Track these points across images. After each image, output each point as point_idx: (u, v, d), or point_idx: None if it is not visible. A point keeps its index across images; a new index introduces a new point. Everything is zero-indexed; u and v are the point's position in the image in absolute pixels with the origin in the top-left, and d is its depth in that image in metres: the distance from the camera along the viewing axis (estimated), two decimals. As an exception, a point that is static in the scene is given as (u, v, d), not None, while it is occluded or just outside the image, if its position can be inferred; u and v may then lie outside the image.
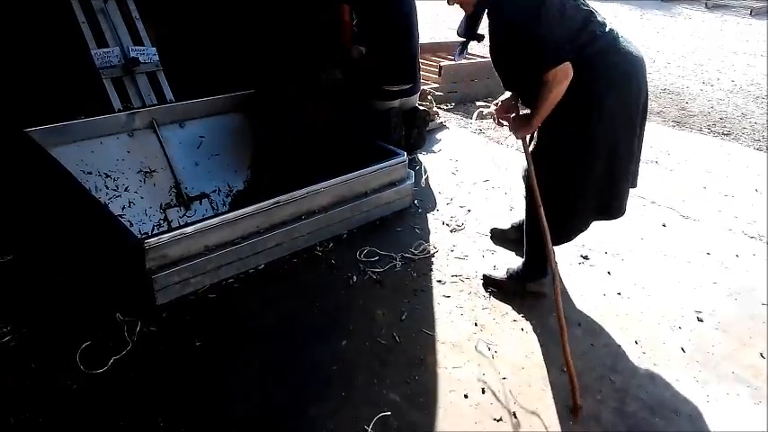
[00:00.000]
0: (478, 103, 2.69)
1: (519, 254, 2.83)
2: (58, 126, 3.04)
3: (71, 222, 2.72)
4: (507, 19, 2.15)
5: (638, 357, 2.30)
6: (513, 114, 2.44)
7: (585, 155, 2.25)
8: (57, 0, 3.38)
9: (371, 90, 3.80)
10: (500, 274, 2.67)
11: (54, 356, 2.13)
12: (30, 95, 3.31)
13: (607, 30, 2.18)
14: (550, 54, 2.07)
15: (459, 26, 2.37)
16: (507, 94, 2.49)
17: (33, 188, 2.93)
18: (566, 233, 2.48)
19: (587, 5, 2.19)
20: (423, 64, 5.25)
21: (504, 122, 2.47)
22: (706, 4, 10.35)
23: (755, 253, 3.03)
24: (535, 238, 2.41)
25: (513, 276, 2.64)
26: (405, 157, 3.21)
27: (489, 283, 2.68)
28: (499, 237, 3.01)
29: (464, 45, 2.42)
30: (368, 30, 3.79)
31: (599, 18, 2.19)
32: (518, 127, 2.36)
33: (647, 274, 2.82)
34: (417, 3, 3.80)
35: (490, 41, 2.29)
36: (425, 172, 3.68)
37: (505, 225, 3.03)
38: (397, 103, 3.84)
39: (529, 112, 2.31)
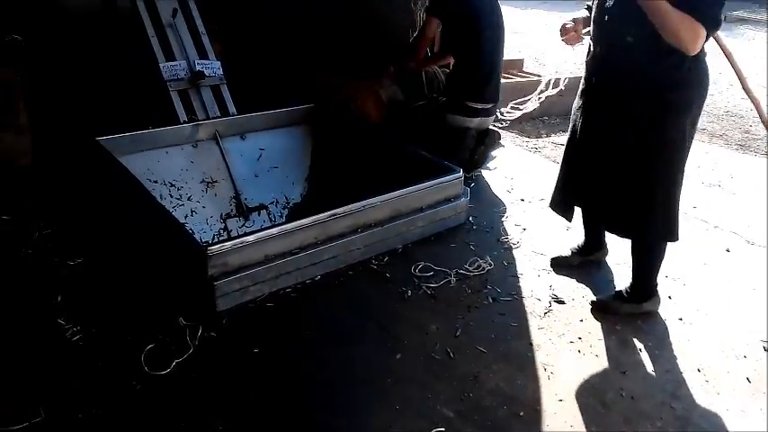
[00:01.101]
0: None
1: (580, 280, 2.83)
2: (127, 135, 3.17)
3: (138, 228, 2.82)
4: None
5: (701, 385, 2.24)
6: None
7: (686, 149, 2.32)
8: (129, 15, 3.55)
9: (453, 104, 3.79)
10: (608, 297, 2.65)
11: (120, 357, 2.21)
12: (102, 105, 3.47)
13: None
14: (716, 18, 2.02)
15: None
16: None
17: (104, 194, 3.06)
18: (674, 228, 2.45)
19: None
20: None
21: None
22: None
23: (826, 282, 2.91)
24: (651, 253, 2.51)
25: (627, 298, 2.61)
26: (461, 173, 3.21)
27: (600, 308, 2.63)
28: (562, 264, 2.95)
29: None
30: (457, 44, 3.79)
31: None
32: None
33: (710, 300, 2.75)
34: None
35: None
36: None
37: (565, 252, 2.98)
38: (476, 121, 3.83)
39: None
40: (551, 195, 2.77)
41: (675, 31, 2.04)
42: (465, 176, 3.29)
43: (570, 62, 7.45)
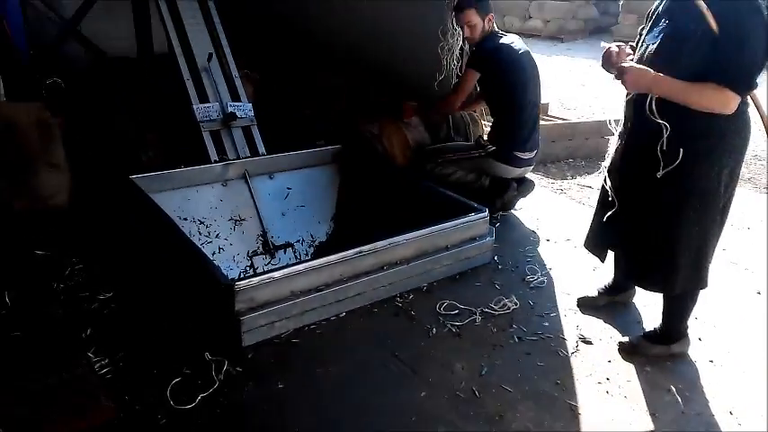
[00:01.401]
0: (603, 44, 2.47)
1: (607, 320, 2.79)
2: (160, 174, 3.27)
3: (168, 263, 2.88)
4: (738, 20, 2.00)
5: (733, 429, 2.18)
6: (631, 58, 2.29)
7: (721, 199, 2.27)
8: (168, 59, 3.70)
9: (500, 154, 3.80)
10: (636, 338, 2.61)
11: (146, 390, 2.23)
12: (139, 144, 3.59)
13: None
14: (744, 74, 2.02)
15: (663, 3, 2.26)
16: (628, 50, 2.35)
17: (136, 230, 3.14)
18: (703, 277, 2.40)
19: None
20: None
21: (620, 63, 2.26)
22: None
23: None
24: (682, 299, 2.47)
25: (655, 339, 2.57)
26: (486, 213, 3.23)
27: (628, 349, 2.59)
28: (589, 305, 2.91)
29: (659, 22, 2.25)
30: (501, 95, 3.82)
31: None
32: (635, 75, 2.18)
33: (741, 342, 2.69)
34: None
35: (679, 22, 2.14)
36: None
37: (592, 292, 2.95)
38: (520, 171, 3.86)
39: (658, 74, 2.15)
40: (586, 234, 2.77)
41: (700, 105, 2.09)
42: (491, 216, 3.30)
43: (595, 107, 7.49)
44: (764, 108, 2.20)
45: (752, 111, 2.21)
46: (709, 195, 2.25)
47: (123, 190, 3.17)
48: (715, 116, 2.12)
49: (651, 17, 2.32)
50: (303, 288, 2.61)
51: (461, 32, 3.94)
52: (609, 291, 2.92)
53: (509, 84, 3.72)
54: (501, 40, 3.73)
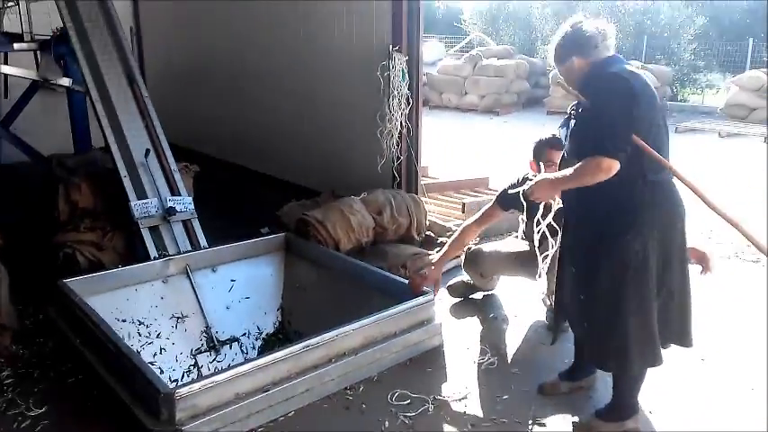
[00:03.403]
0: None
1: (572, 408, 2.73)
2: (95, 276, 3.16)
3: (104, 373, 2.73)
4: (599, 98, 2.29)
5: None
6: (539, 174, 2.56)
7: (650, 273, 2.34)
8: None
9: None
10: (590, 418, 2.60)
11: None
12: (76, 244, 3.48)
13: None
14: (611, 144, 2.20)
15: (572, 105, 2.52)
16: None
17: (68, 338, 2.99)
18: (658, 353, 2.43)
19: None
20: (446, 201, 5.41)
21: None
22: (719, 133, 10.65)
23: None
24: (631, 377, 2.49)
25: (608, 417, 2.55)
26: (432, 296, 3.22)
27: (583, 429, 2.57)
28: (550, 391, 2.84)
29: (567, 120, 2.55)
30: None
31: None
32: (538, 188, 2.45)
33: (690, 412, 2.71)
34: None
35: (576, 114, 2.47)
36: None
37: (553, 377, 2.89)
38: None
39: (554, 174, 2.45)
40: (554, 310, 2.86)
41: (589, 180, 2.26)
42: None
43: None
44: (687, 177, 2.34)
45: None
46: (635, 270, 2.32)
47: (56, 296, 3.05)
48: (626, 192, 2.27)
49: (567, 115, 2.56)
50: (248, 390, 2.51)
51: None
52: (571, 376, 2.85)
53: None
54: None
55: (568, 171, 2.33)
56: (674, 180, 2.37)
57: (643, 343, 2.38)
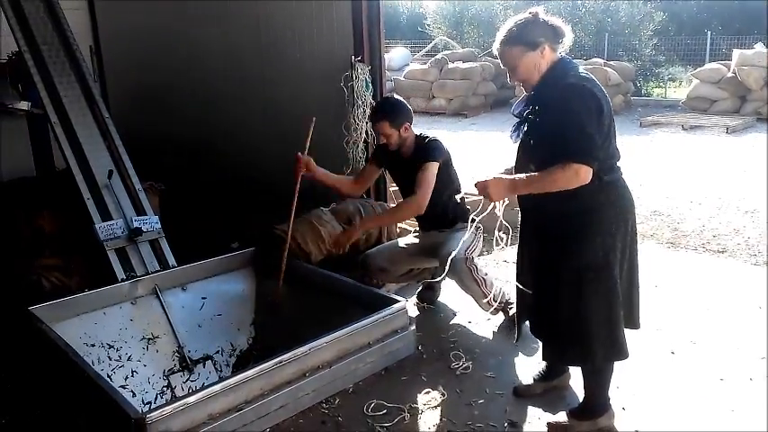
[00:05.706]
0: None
1: (546, 409, 2.76)
2: (61, 302, 3.10)
3: (73, 401, 2.69)
4: (568, 106, 2.27)
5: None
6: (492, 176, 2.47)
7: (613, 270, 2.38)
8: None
9: None
10: (562, 418, 2.62)
11: None
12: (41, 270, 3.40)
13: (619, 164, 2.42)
14: (588, 152, 2.23)
15: (515, 107, 2.53)
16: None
17: (35, 367, 2.94)
18: (621, 346, 2.46)
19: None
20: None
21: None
22: (683, 126, 10.87)
23: (770, 374, 2.97)
24: (600, 372, 2.51)
25: (581, 415, 2.58)
26: (404, 303, 3.23)
27: (557, 429, 2.60)
28: (525, 394, 2.88)
29: (519, 125, 2.52)
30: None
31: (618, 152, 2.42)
32: (492, 187, 2.40)
33: (662, 407, 2.75)
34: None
35: (532, 120, 2.43)
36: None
37: (528, 380, 2.93)
38: None
39: (513, 176, 2.43)
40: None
41: (559, 186, 2.28)
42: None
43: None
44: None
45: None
46: (599, 269, 2.37)
47: (22, 323, 2.98)
48: (584, 194, 2.30)
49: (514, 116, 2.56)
50: (222, 410, 2.48)
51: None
52: (544, 377, 2.90)
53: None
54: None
55: (535, 175, 2.35)
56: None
57: (606, 334, 2.41)
